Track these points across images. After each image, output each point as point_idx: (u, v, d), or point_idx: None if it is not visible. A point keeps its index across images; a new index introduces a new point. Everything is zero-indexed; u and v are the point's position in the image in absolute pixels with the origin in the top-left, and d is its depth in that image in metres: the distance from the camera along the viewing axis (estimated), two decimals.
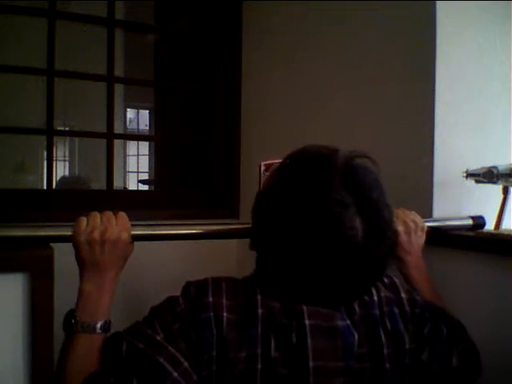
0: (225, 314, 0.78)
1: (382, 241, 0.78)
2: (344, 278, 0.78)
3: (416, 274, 1.07)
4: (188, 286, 0.83)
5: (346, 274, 0.77)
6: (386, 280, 0.91)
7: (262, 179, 0.95)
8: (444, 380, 0.89)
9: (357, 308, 0.83)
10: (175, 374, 0.74)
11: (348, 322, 0.81)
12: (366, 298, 0.85)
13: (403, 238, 1.06)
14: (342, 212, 0.74)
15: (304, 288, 0.80)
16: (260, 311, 0.79)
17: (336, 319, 0.81)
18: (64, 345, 0.85)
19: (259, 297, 0.80)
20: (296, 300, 0.80)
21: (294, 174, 0.81)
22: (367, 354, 0.81)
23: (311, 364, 0.77)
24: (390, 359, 0.81)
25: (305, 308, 0.79)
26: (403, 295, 0.89)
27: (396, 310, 0.86)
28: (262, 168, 0.97)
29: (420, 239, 1.10)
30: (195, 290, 0.81)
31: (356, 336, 0.80)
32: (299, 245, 0.76)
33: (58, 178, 3.67)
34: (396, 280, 0.93)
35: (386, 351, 0.81)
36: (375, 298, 0.86)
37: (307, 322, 0.79)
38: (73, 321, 0.84)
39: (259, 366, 0.76)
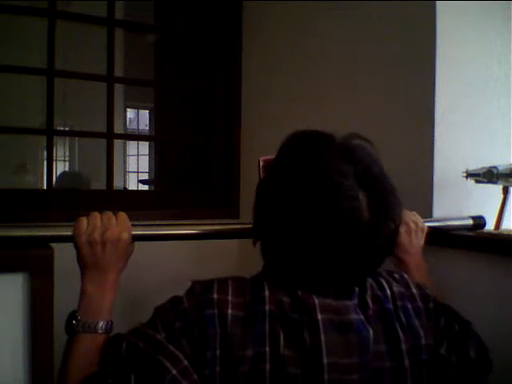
0: (230, 312, 0.75)
1: (388, 212, 0.76)
2: (352, 251, 0.75)
3: (417, 275, 1.06)
4: (193, 285, 0.81)
5: (353, 247, 0.75)
6: (396, 275, 0.90)
7: (262, 175, 0.94)
8: (462, 373, 0.87)
9: (370, 302, 0.81)
10: (174, 371, 0.72)
11: (362, 316, 0.79)
12: (379, 292, 0.83)
13: (404, 238, 1.07)
14: (342, 181, 0.73)
15: (311, 266, 0.77)
16: (268, 307, 0.76)
17: (349, 313, 0.78)
18: (66, 345, 0.84)
19: (267, 293, 0.78)
20: (304, 284, 0.78)
21: (293, 152, 0.82)
22: (386, 352, 0.79)
23: (325, 361, 0.74)
24: (408, 355, 0.79)
25: (316, 302, 0.77)
26: (414, 290, 0.87)
27: (409, 305, 0.84)
28: (261, 163, 0.96)
29: (420, 240, 1.10)
30: (200, 288, 0.79)
31: (371, 331, 0.78)
32: (302, 219, 0.75)
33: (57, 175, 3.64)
34: (406, 275, 0.91)
35: (403, 347, 0.79)
36: (388, 292, 0.84)
37: (319, 316, 0.76)
38: (74, 321, 0.84)
39: (268, 366, 0.73)
